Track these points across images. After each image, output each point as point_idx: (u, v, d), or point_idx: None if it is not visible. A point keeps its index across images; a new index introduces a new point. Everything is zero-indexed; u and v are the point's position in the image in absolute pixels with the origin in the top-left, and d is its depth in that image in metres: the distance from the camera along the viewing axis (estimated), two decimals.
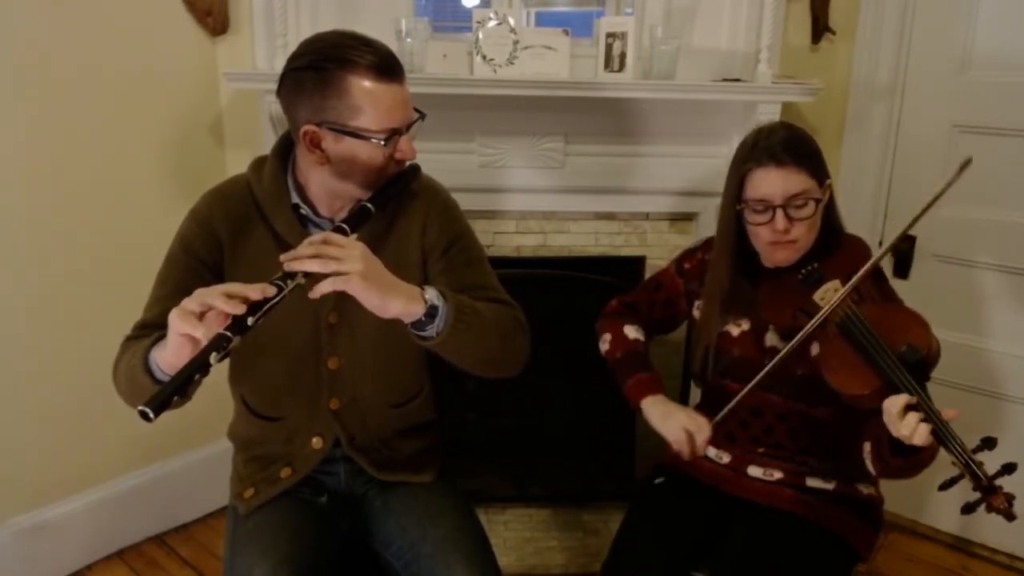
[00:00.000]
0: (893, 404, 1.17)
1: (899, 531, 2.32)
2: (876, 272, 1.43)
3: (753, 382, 1.37)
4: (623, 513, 1.52)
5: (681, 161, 2.13)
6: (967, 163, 1.27)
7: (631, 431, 2.37)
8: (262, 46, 2.02)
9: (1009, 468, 1.15)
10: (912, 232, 2.18)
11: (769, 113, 1.96)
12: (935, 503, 2.30)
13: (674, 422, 1.41)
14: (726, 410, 1.40)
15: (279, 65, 1.86)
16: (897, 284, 1.49)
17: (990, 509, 1.16)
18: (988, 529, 2.22)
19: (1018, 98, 1.98)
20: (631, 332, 1.58)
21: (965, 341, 2.13)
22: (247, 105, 2.07)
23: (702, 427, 1.39)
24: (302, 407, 1.36)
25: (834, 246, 1.45)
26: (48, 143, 1.83)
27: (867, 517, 1.44)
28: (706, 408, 1.57)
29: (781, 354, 1.35)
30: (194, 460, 2.25)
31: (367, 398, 1.37)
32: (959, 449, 1.15)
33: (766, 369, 1.35)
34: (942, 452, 1.18)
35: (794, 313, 1.37)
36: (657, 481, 1.55)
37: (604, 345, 1.60)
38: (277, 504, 1.34)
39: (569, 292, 2.18)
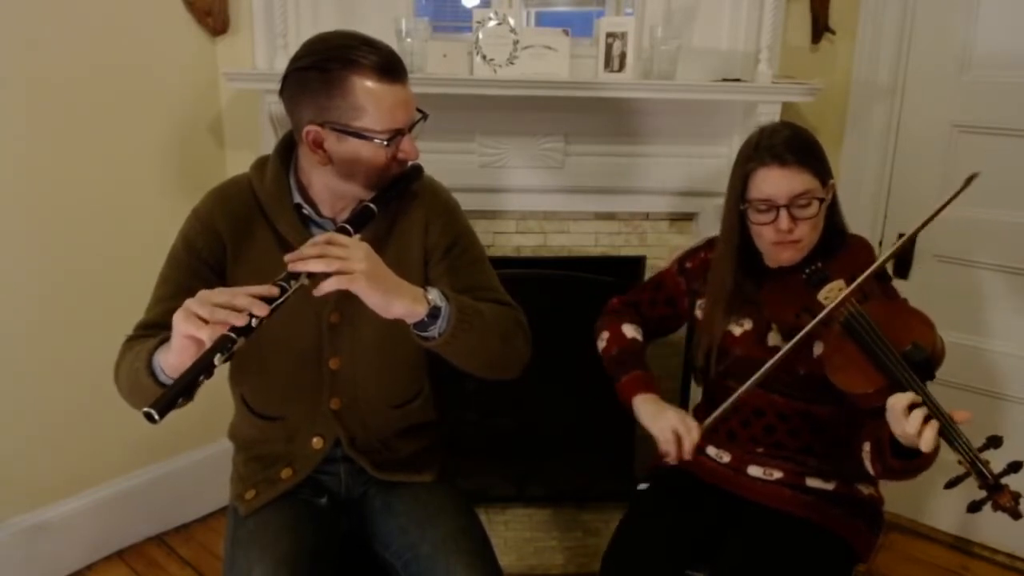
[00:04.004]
0: (898, 401, 1.16)
1: (899, 531, 2.32)
2: (880, 273, 1.43)
3: (748, 384, 1.34)
4: (623, 513, 1.52)
5: (681, 161, 2.13)
6: (973, 177, 1.27)
7: (631, 431, 2.37)
8: (262, 46, 2.01)
9: (1015, 466, 1.15)
10: None
11: (769, 113, 1.96)
12: (935, 503, 2.30)
13: (664, 422, 1.39)
14: (716, 414, 1.38)
15: (279, 65, 1.88)
16: (897, 284, 1.49)
17: (996, 507, 1.15)
18: (988, 529, 2.22)
19: (1018, 98, 1.98)
20: (629, 331, 1.58)
21: (965, 341, 2.13)
22: (247, 105, 2.07)
23: (691, 429, 1.37)
24: (303, 407, 1.35)
25: (838, 246, 1.44)
26: (48, 143, 1.82)
27: (867, 517, 1.44)
28: (706, 408, 1.57)
29: (779, 355, 1.33)
30: (194, 460, 2.25)
31: (368, 398, 1.36)
32: (965, 447, 1.15)
33: (762, 371, 1.33)
34: (946, 452, 1.18)
35: (797, 313, 1.36)
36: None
37: (601, 343, 1.60)
38: (277, 505, 1.34)
39: (569, 292, 2.18)
